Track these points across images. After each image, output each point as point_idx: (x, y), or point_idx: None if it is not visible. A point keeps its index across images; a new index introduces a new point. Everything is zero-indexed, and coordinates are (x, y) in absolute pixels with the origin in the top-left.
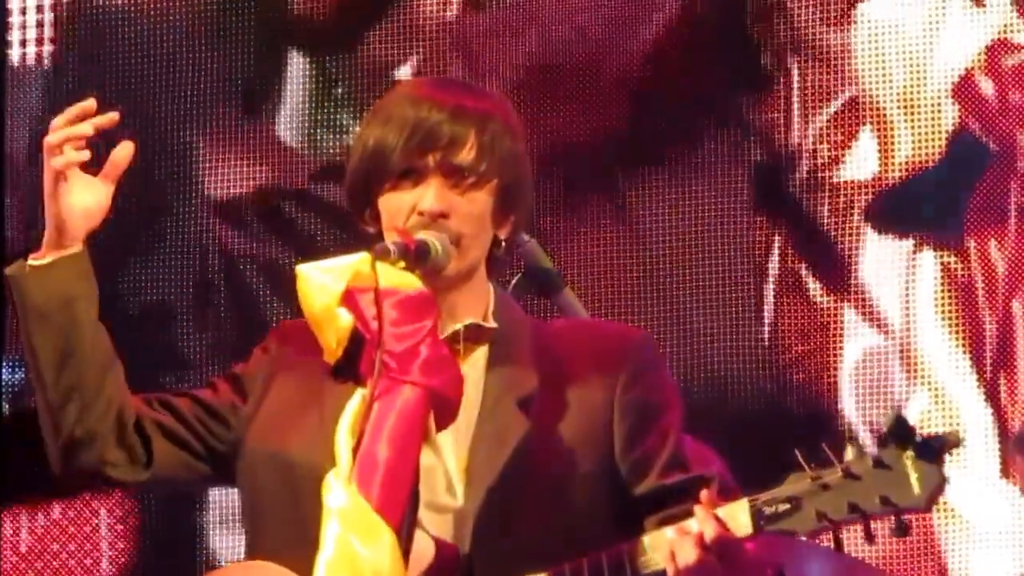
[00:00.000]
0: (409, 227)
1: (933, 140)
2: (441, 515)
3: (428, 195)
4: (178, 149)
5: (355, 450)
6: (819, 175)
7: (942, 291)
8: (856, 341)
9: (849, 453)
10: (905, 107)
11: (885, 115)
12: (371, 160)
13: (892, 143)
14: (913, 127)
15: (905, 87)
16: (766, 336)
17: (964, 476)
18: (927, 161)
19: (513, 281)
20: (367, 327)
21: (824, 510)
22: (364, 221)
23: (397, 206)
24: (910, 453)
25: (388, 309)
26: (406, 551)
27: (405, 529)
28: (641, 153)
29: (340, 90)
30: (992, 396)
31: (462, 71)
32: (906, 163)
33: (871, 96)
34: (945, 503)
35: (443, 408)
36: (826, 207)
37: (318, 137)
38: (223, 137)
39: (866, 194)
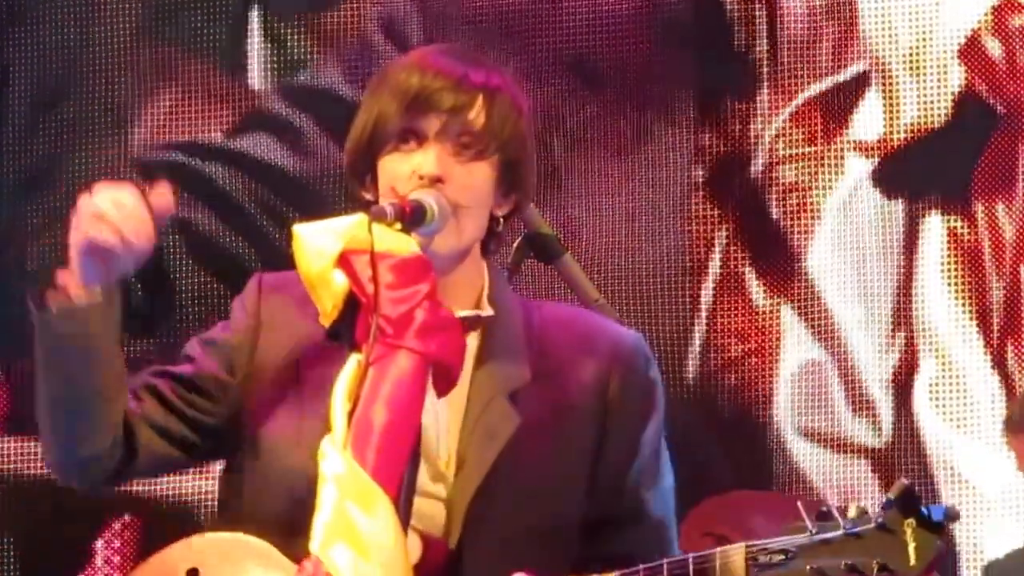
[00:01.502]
0: (406, 192)
1: (939, 102)
2: (430, 501)
3: (428, 159)
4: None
5: (350, 416)
6: (773, 173)
7: (948, 256)
8: (797, 351)
9: (852, 511)
10: (911, 69)
11: (891, 77)
12: (373, 125)
13: (898, 105)
14: (919, 89)
15: (911, 48)
16: (700, 336)
17: (971, 443)
18: (933, 124)
19: (514, 245)
20: (363, 290)
21: (820, 566)
22: (364, 188)
23: (396, 170)
24: (911, 521)
25: (384, 272)
26: (404, 519)
27: (404, 496)
28: (582, 129)
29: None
30: (999, 363)
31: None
32: (912, 126)
33: (877, 57)
34: (952, 470)
35: (442, 373)
36: (776, 205)
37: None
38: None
39: (871, 156)
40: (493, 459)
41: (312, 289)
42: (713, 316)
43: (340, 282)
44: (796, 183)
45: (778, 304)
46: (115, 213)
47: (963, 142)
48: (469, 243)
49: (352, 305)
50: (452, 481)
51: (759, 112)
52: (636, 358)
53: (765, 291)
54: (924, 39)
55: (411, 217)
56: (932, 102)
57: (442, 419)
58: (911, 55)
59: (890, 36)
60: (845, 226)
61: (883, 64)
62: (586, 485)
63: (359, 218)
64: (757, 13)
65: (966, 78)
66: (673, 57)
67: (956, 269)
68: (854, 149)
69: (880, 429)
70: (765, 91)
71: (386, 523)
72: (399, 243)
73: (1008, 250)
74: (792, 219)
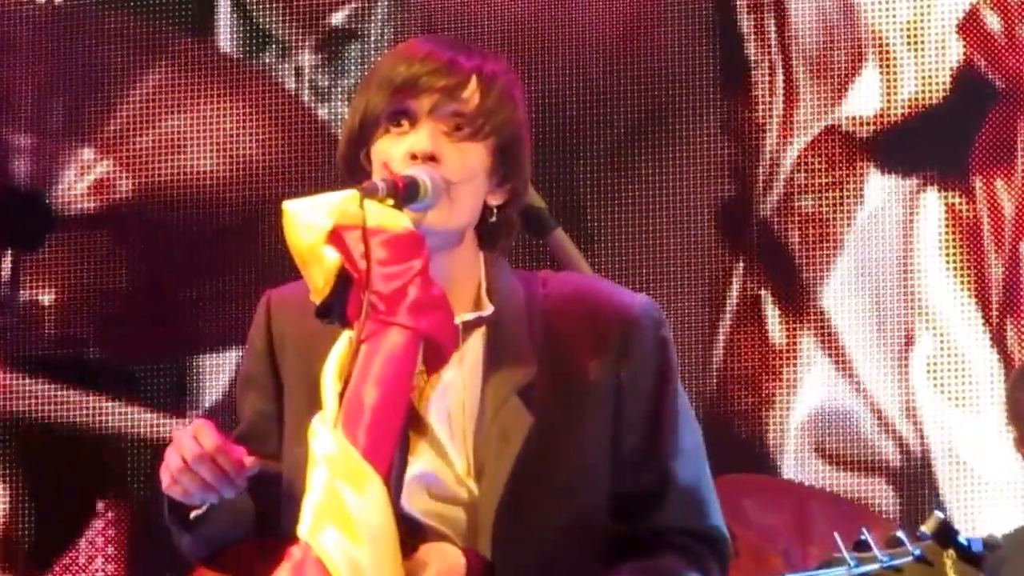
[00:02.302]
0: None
1: (938, 77)
2: (454, 507)
3: (420, 137)
4: None
5: (342, 394)
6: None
7: (947, 232)
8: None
9: (892, 542)
10: (910, 43)
11: (889, 51)
12: (362, 115)
13: (896, 80)
14: (918, 63)
15: (909, 22)
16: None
17: (970, 424)
18: (932, 98)
19: None
20: (354, 266)
21: None
22: (358, 180)
23: (389, 151)
24: (951, 552)
25: (376, 248)
26: (395, 499)
27: (395, 476)
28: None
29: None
30: (999, 341)
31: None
32: (910, 100)
33: (874, 32)
34: (951, 451)
35: (433, 351)
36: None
37: None
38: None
39: (869, 131)
40: (511, 463)
41: (303, 265)
42: (730, 347)
43: (331, 258)
44: (815, 213)
45: (796, 335)
46: (190, 471)
47: (962, 117)
48: (461, 224)
49: (344, 282)
50: (474, 487)
51: (777, 139)
52: (643, 324)
53: (782, 322)
54: (923, 13)
55: (404, 192)
56: (931, 77)
57: (456, 425)
58: (909, 29)
59: (888, 10)
60: (865, 254)
61: (881, 38)
62: (610, 469)
63: (350, 193)
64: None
65: (965, 53)
66: (695, 90)
67: (955, 245)
68: (851, 124)
69: (906, 452)
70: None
71: (376, 503)
72: (391, 219)
73: (1008, 226)
74: (811, 249)
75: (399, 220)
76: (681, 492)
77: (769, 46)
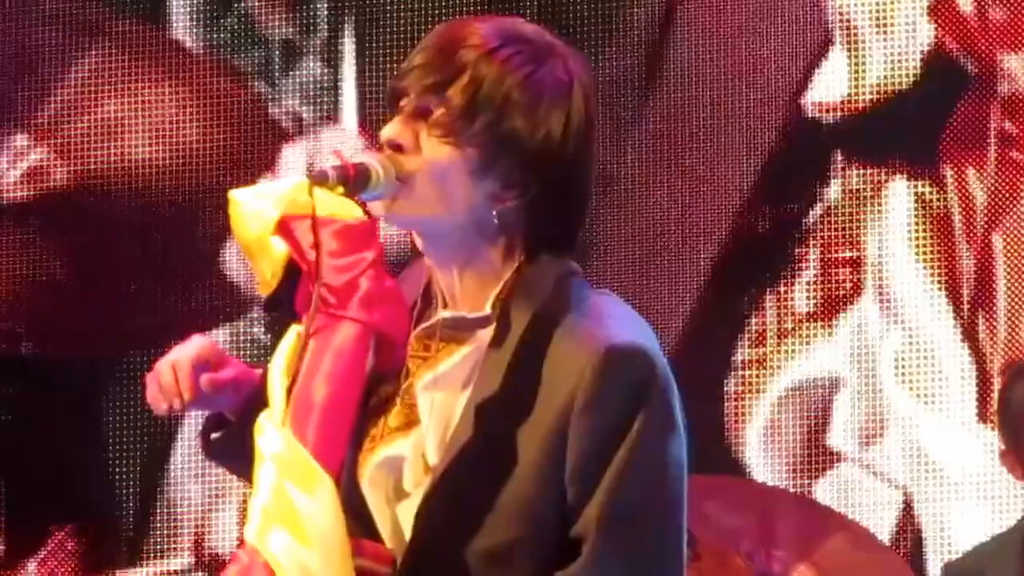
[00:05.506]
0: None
1: (907, 61)
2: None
3: (394, 124)
4: None
5: (290, 390)
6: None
7: (916, 223)
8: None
9: None
10: (878, 25)
11: (856, 34)
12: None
13: (863, 64)
14: (886, 47)
15: (878, 4)
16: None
17: (939, 421)
18: (901, 84)
19: None
20: (304, 258)
21: None
22: None
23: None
24: None
25: (327, 239)
26: (345, 499)
27: (345, 476)
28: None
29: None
30: (970, 335)
31: None
32: (878, 86)
33: (842, 13)
34: (919, 450)
35: (384, 347)
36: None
37: None
38: None
39: (835, 117)
40: (432, 477)
41: (251, 256)
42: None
43: (280, 249)
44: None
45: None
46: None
47: (932, 103)
48: (433, 215)
49: (293, 274)
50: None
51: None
52: (611, 363)
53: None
54: None
55: (355, 180)
56: (900, 61)
57: (440, 416)
58: (878, 11)
59: None
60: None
61: (848, 21)
62: (556, 511)
63: (300, 181)
64: None
65: (936, 36)
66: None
67: (924, 236)
68: (817, 110)
69: (872, 450)
70: None
71: (326, 505)
72: (343, 208)
73: (979, 217)
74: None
75: (351, 209)
76: (597, 551)
77: None
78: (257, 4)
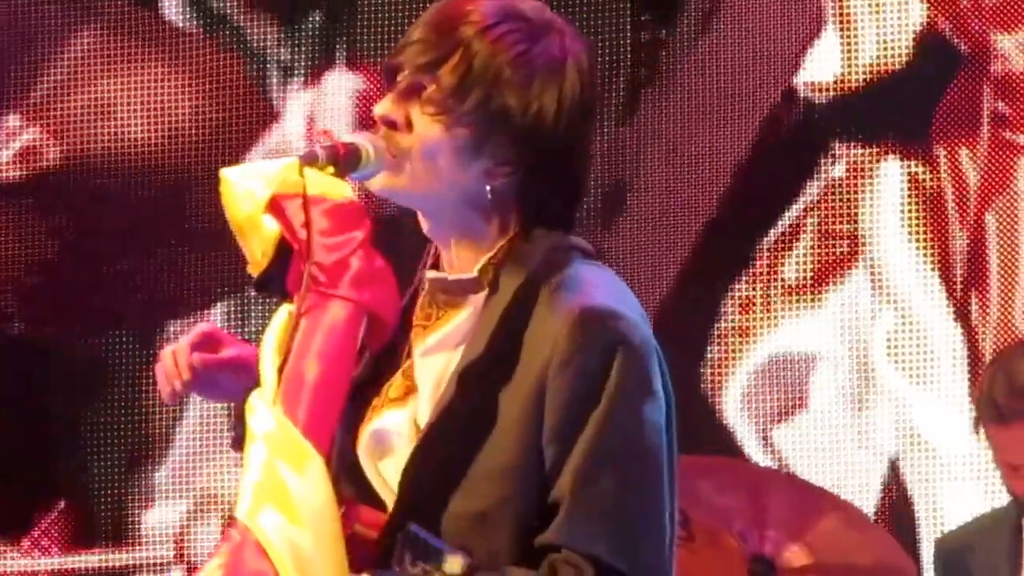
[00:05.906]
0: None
1: (900, 41)
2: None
3: (386, 101)
4: None
5: (281, 369)
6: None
7: (909, 203)
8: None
9: None
10: (870, 5)
11: (849, 13)
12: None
13: (856, 44)
14: (878, 27)
15: None
16: None
17: (931, 401)
18: (893, 64)
19: None
20: (295, 237)
21: None
22: None
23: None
24: None
25: (318, 218)
26: (335, 477)
27: (336, 454)
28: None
29: None
30: (962, 315)
31: None
32: (870, 65)
33: None
34: (911, 430)
35: (376, 326)
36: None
37: None
38: None
39: (828, 97)
40: (417, 443)
41: (241, 235)
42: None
43: (271, 228)
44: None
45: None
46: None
47: (924, 84)
48: (427, 190)
49: (283, 253)
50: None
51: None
52: (587, 326)
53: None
54: None
55: (345, 160)
56: (892, 41)
57: (432, 381)
58: None
59: None
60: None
61: (841, 1)
62: (536, 479)
63: (290, 161)
64: None
65: (928, 16)
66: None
67: (916, 216)
68: (810, 91)
69: (864, 430)
70: None
71: (317, 483)
72: (333, 187)
73: (971, 197)
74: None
75: (341, 189)
76: (572, 510)
77: None
78: None
